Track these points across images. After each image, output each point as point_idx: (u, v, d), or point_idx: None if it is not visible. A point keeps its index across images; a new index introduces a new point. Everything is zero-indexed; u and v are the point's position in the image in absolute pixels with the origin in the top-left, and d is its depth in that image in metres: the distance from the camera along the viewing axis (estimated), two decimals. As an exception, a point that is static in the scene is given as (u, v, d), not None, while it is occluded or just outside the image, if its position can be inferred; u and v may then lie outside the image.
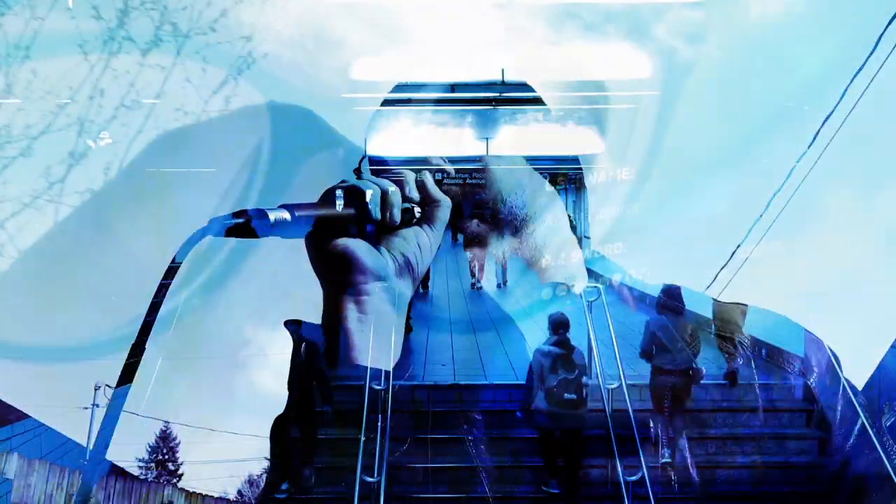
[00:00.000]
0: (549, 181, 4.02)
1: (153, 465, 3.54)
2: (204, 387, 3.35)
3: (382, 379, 3.70)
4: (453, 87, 4.12)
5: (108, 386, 3.31)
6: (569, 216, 4.07)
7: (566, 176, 4.35)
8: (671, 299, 3.86)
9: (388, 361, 1.38)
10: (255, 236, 1.24)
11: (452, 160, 3.82)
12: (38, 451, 3.33)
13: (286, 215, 1.26)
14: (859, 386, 3.39)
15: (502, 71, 3.96)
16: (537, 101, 4.05)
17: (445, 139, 4.10)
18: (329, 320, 1.40)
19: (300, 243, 1.37)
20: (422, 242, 1.41)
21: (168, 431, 3.59)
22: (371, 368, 3.75)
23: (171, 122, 3.03)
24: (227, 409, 3.40)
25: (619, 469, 3.42)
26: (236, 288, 3.24)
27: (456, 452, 3.77)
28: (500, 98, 4.08)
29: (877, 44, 3.39)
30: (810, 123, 3.44)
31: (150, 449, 3.55)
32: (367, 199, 1.33)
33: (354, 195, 1.34)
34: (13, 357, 2.95)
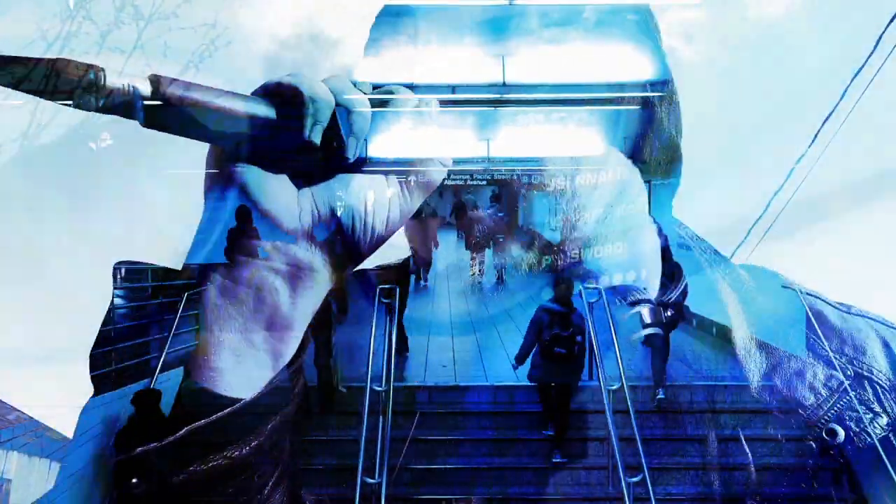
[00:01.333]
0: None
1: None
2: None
3: (383, 381, 3.70)
4: (454, 89, 4.11)
5: (108, 386, 3.31)
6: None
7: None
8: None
9: (246, 385, 0.82)
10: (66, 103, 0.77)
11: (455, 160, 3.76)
12: (39, 451, 3.33)
13: (144, 88, 0.78)
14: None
15: (503, 72, 3.96)
16: (539, 101, 4.05)
17: (446, 140, 4.10)
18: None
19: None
20: (376, 199, 0.86)
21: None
22: (372, 370, 3.76)
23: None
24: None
25: (621, 470, 3.41)
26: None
27: (457, 453, 3.77)
28: (501, 99, 4.07)
29: (877, 44, 3.39)
30: (810, 123, 3.43)
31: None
32: (306, 108, 0.82)
33: (289, 97, 0.84)
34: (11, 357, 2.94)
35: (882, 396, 1.99)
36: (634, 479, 3.36)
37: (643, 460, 3.38)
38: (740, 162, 3.58)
